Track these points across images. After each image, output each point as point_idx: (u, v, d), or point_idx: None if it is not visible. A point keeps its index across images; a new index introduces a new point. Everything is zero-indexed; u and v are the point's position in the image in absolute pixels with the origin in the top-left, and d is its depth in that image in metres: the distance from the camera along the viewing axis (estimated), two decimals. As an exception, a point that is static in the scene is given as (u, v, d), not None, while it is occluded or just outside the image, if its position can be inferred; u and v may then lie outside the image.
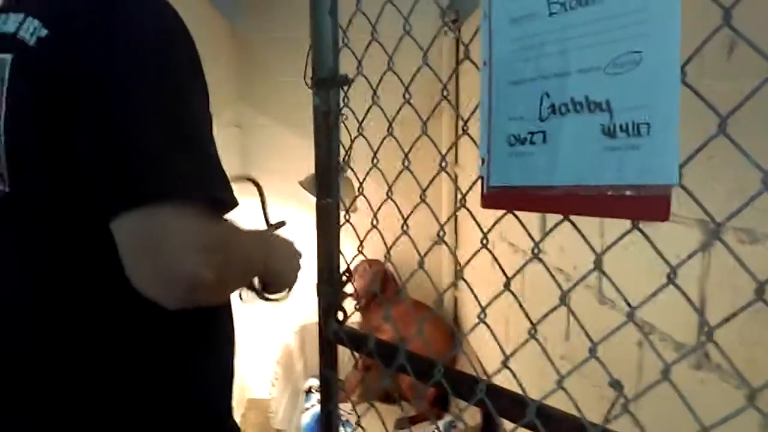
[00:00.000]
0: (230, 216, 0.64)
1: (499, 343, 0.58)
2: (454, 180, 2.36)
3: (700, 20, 0.40)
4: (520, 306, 0.57)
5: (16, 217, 0.62)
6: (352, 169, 0.85)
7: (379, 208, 0.77)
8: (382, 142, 0.76)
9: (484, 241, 0.61)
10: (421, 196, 0.68)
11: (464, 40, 0.62)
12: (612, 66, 0.41)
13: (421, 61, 0.67)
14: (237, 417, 0.82)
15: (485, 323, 0.60)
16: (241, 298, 0.79)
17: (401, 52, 0.70)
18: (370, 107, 0.76)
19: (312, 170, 0.84)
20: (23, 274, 0.62)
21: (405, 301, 2.03)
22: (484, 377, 0.60)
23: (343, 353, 0.86)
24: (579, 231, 0.51)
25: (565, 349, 1.16)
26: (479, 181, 0.54)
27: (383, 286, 2.32)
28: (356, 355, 0.79)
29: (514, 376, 0.58)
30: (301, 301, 0.89)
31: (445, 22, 0.74)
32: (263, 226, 0.84)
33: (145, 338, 0.64)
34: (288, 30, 2.52)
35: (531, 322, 0.55)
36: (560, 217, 0.50)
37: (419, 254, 0.68)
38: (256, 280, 0.78)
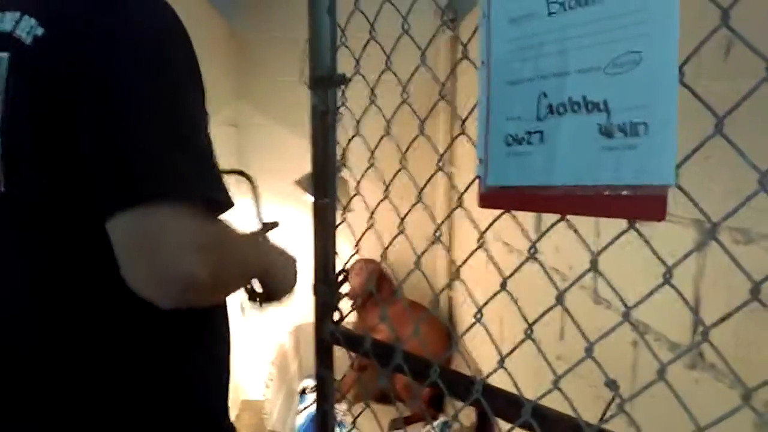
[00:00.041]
0: (224, 216, 0.64)
1: (495, 344, 0.58)
2: (450, 179, 2.36)
3: (697, 20, 0.41)
4: (517, 306, 0.57)
5: (13, 217, 0.61)
6: (349, 168, 0.85)
7: (376, 207, 0.77)
8: (379, 142, 0.76)
9: (481, 241, 0.61)
10: (417, 196, 0.68)
11: (462, 38, 0.61)
12: (612, 66, 0.41)
13: (419, 60, 0.67)
14: (231, 418, 0.82)
15: (482, 324, 0.60)
16: (242, 312, 0.79)
17: (399, 51, 0.70)
18: (367, 107, 0.76)
19: (308, 170, 0.83)
20: (22, 273, 0.62)
21: (401, 301, 2.02)
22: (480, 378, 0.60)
23: (338, 352, 0.86)
24: (575, 231, 0.51)
25: (561, 349, 1.16)
26: (476, 181, 0.54)
27: (379, 285, 2.32)
28: (352, 354, 0.79)
29: (510, 376, 0.58)
30: (296, 301, 0.88)
31: (444, 20, 0.74)
32: (256, 224, 0.84)
33: (142, 338, 0.64)
34: (286, 29, 2.52)
35: (527, 322, 0.55)
36: (556, 216, 0.50)
37: (416, 254, 0.68)
38: (256, 284, 0.78)
